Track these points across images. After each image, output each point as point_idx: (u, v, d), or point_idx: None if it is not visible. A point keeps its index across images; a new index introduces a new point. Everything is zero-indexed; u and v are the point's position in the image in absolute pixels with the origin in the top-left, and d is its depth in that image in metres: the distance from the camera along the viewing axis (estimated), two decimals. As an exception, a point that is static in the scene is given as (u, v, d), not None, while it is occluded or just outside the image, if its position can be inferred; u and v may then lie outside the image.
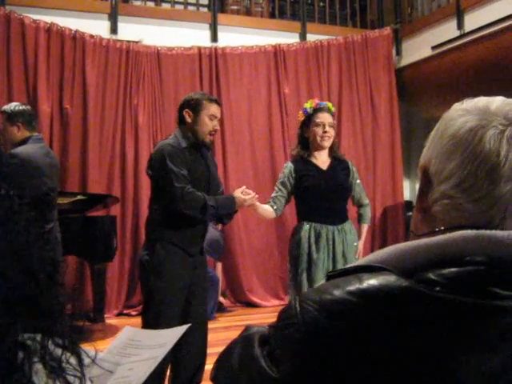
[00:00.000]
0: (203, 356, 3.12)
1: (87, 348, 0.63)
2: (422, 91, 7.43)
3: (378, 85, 7.34)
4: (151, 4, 7.05)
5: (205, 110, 3.07)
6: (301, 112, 3.61)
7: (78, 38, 6.16)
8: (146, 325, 3.03)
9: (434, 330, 0.66)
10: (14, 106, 3.85)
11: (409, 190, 7.78)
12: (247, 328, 0.84)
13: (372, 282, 0.69)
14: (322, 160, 3.54)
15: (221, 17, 6.98)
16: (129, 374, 0.84)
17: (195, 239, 3.09)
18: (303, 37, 7.27)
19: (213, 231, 5.45)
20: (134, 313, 6.08)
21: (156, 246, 3.02)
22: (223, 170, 6.42)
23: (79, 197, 5.49)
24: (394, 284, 0.68)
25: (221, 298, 6.32)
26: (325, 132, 3.46)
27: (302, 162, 3.52)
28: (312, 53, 7.12)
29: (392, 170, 7.33)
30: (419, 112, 7.75)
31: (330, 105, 3.62)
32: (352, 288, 0.69)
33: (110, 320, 5.79)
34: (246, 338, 0.79)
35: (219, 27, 6.91)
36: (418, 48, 7.21)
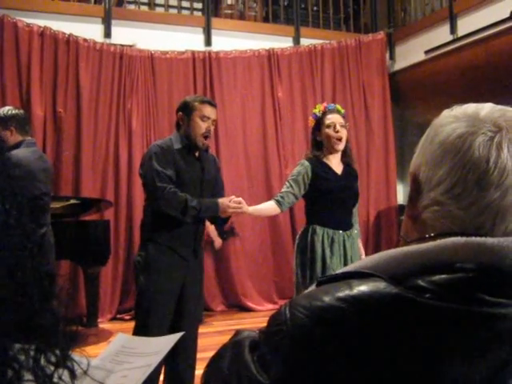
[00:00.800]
0: (193, 359, 3.12)
1: (80, 356, 0.62)
2: (416, 95, 7.46)
3: (371, 89, 7.36)
4: (145, 8, 7.06)
5: (196, 111, 3.07)
6: (310, 118, 3.58)
7: (71, 42, 6.15)
8: (137, 325, 3.04)
9: (423, 337, 0.66)
10: (6, 110, 3.83)
11: (402, 193, 7.80)
12: (238, 333, 0.84)
13: (362, 288, 0.69)
14: (336, 164, 3.49)
15: (214, 21, 6.98)
16: (122, 381, 0.84)
17: (186, 241, 3.08)
18: (297, 41, 7.29)
19: None
20: (127, 317, 6.06)
21: (147, 246, 3.04)
22: (217, 174, 6.41)
23: (72, 201, 5.48)
24: (384, 290, 0.68)
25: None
26: (336, 132, 3.39)
27: (318, 163, 3.44)
28: (306, 57, 7.14)
29: (385, 174, 7.35)
30: (412, 116, 7.77)
31: (338, 106, 3.57)
32: (342, 294, 0.69)
33: (104, 324, 5.77)
34: (236, 342, 0.79)
35: (213, 31, 6.92)
36: (412, 52, 7.24)
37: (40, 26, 6.03)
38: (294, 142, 6.94)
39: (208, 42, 6.90)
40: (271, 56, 6.98)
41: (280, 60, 7.02)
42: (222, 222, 3.27)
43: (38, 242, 0.60)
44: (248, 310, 6.52)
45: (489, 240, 0.70)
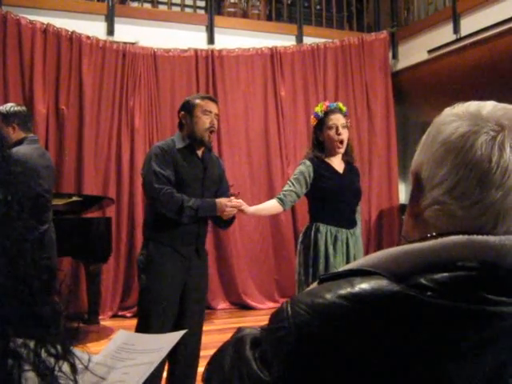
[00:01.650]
0: (196, 357, 3.13)
1: (81, 352, 0.62)
2: (418, 95, 7.45)
3: (374, 88, 7.35)
4: (148, 6, 7.05)
5: (198, 107, 3.10)
6: (312, 117, 3.59)
7: (74, 39, 6.15)
8: (139, 323, 3.05)
9: (424, 335, 0.66)
10: (9, 106, 3.84)
11: (404, 193, 7.79)
12: (239, 330, 0.84)
13: (364, 286, 0.69)
14: (337, 163, 3.52)
15: (217, 19, 6.98)
16: (124, 378, 0.84)
17: (188, 240, 3.08)
18: (300, 39, 7.28)
19: None
20: (128, 314, 6.07)
21: (149, 245, 3.06)
22: (219, 172, 6.41)
23: (74, 198, 5.48)
24: (386, 288, 0.68)
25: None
26: (339, 134, 3.41)
27: (320, 163, 3.48)
28: (308, 55, 7.13)
29: (388, 173, 7.35)
30: (415, 115, 7.76)
31: (340, 105, 3.57)
32: (343, 292, 0.69)
33: (105, 322, 5.78)
34: (238, 339, 0.79)
35: (216, 29, 6.92)
36: (415, 52, 7.23)
37: (43, 23, 6.03)
38: (297, 140, 6.93)
39: (211, 40, 6.89)
40: (274, 54, 6.97)
41: (283, 58, 7.02)
42: (224, 224, 3.24)
43: (39, 236, 0.60)
44: (249, 308, 6.52)
45: (491, 238, 0.70)
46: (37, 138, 4.00)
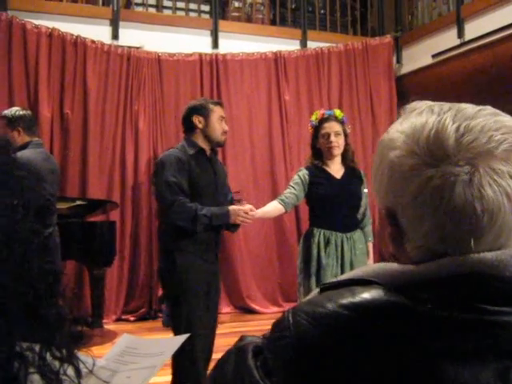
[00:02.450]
0: (210, 353, 3.17)
1: (85, 356, 0.63)
2: (422, 99, 7.40)
3: (378, 92, 7.35)
4: (153, 10, 7.07)
5: (214, 112, 3.21)
6: (309, 125, 3.69)
7: (79, 44, 6.18)
8: (183, 331, 2.97)
9: (423, 346, 0.66)
10: (14, 110, 3.85)
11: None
12: (241, 338, 0.84)
13: (364, 295, 0.70)
14: (336, 169, 3.58)
15: (222, 23, 7.00)
16: (127, 382, 0.84)
17: (209, 246, 3.16)
18: (304, 44, 7.29)
19: None
20: (132, 318, 6.07)
21: (175, 256, 3.06)
22: (223, 177, 6.42)
23: (79, 202, 5.49)
24: (385, 298, 0.69)
25: None
26: (330, 142, 3.50)
27: (316, 170, 3.57)
28: (312, 60, 7.14)
29: (392, 178, 7.33)
30: (419, 120, 7.74)
31: (337, 112, 3.64)
32: (344, 301, 0.70)
33: (109, 325, 5.78)
34: (240, 348, 0.79)
35: (220, 34, 6.93)
36: (419, 56, 7.23)
37: (48, 28, 6.06)
38: (300, 144, 6.92)
39: (215, 45, 6.91)
40: (278, 59, 6.98)
41: (287, 63, 7.02)
42: (234, 227, 3.34)
43: (43, 240, 0.61)
44: (253, 312, 6.52)
45: (487, 255, 0.69)
46: (41, 142, 4.02)
